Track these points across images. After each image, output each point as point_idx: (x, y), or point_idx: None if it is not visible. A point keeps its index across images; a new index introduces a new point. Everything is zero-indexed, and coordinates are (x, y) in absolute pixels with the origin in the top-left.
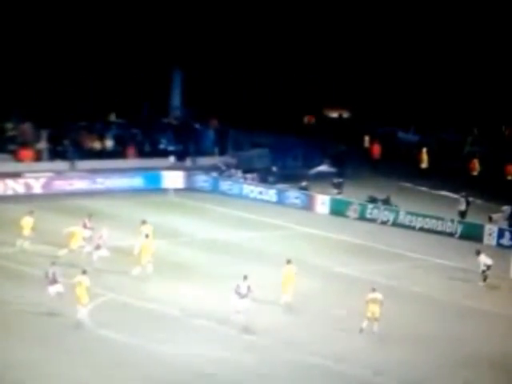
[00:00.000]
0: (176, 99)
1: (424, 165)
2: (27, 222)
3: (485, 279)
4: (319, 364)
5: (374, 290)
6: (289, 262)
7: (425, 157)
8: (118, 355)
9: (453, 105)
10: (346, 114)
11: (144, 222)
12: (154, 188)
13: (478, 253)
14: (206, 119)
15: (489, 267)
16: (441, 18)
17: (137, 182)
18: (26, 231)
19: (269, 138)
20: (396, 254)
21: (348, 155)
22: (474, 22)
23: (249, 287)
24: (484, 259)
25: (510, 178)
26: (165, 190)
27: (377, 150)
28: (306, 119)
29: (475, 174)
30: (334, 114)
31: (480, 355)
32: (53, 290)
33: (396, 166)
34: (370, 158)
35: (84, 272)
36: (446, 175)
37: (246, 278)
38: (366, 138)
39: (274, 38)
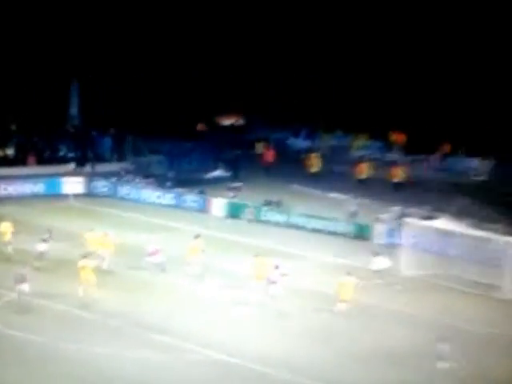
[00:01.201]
0: (74, 108)
1: (314, 169)
2: None
3: (380, 279)
4: (232, 363)
5: (348, 273)
6: (197, 236)
7: (315, 161)
8: (24, 353)
9: (341, 110)
10: (239, 122)
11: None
12: (54, 194)
13: (376, 254)
14: (104, 127)
15: (383, 270)
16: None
17: (38, 188)
18: None
19: (166, 144)
20: (290, 253)
21: (242, 160)
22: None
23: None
24: (380, 262)
25: (396, 180)
26: (65, 196)
27: (270, 155)
28: (198, 126)
29: (363, 177)
30: (228, 122)
31: (373, 350)
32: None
33: (288, 171)
34: (263, 163)
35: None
36: (336, 178)
37: (277, 267)
38: (259, 144)
39: (168, 47)
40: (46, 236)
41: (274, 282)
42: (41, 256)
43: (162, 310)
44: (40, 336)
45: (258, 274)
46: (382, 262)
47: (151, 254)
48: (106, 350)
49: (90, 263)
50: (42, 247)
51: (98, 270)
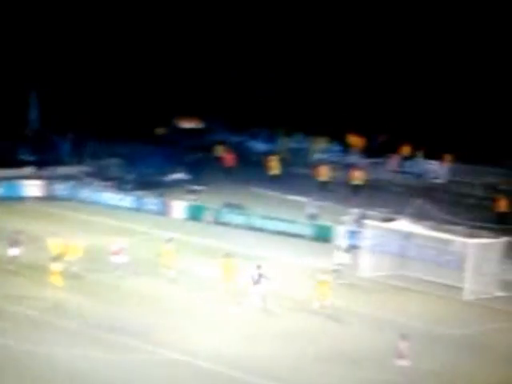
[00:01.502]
0: (34, 113)
1: (274, 171)
2: None
3: (339, 277)
4: (179, 360)
5: (324, 273)
6: (169, 240)
7: (275, 164)
8: None
9: (300, 113)
10: (199, 125)
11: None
12: (14, 197)
13: (338, 249)
14: (63, 131)
15: (341, 265)
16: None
17: None
18: None
19: (126, 147)
20: (251, 255)
21: (202, 163)
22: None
23: (261, 275)
24: (342, 256)
25: (355, 182)
26: (25, 199)
27: (230, 158)
28: (158, 129)
29: (323, 179)
30: (188, 125)
31: (332, 350)
32: None
33: (248, 173)
34: (224, 166)
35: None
36: (295, 181)
37: (259, 266)
38: (219, 147)
39: (126, 49)
40: (17, 239)
41: (257, 282)
42: (13, 260)
43: (124, 311)
44: (8, 339)
45: (227, 274)
46: (343, 257)
47: (115, 253)
48: (70, 352)
49: (58, 267)
50: (13, 251)
51: (65, 274)
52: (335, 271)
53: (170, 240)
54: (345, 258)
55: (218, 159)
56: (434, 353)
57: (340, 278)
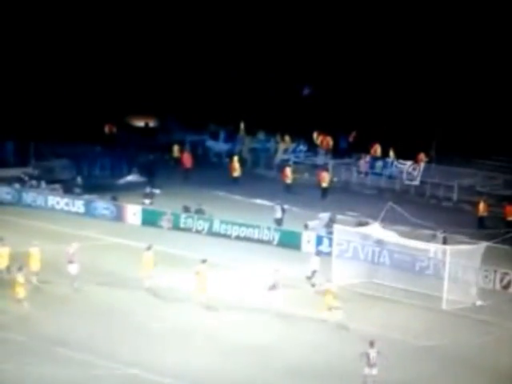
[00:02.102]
0: None
1: (236, 173)
2: None
3: (312, 285)
4: (136, 374)
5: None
6: (148, 248)
7: (236, 165)
8: None
9: (262, 111)
10: (152, 123)
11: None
12: None
13: (318, 253)
14: (6, 130)
15: (314, 272)
16: None
17: None
18: None
19: (73, 147)
20: (214, 263)
21: (157, 164)
22: None
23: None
24: (314, 263)
25: (324, 185)
26: None
27: (187, 159)
28: (106, 128)
29: (289, 181)
30: (140, 123)
31: (303, 363)
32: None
33: (207, 175)
34: (181, 168)
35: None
36: (259, 183)
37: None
38: (176, 147)
39: (72, 42)
40: None
41: (273, 288)
42: None
43: (80, 324)
44: None
45: (199, 284)
46: (315, 264)
47: (70, 262)
48: (13, 367)
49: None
50: None
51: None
52: (309, 278)
53: (149, 248)
54: (316, 265)
55: (175, 160)
56: (406, 364)
57: (312, 286)
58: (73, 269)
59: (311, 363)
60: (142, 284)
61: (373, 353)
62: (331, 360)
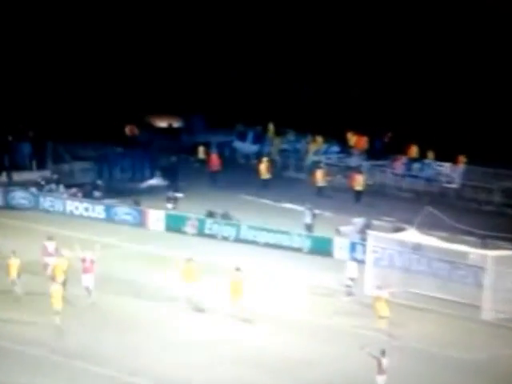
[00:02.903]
0: None
1: (266, 176)
2: None
3: (349, 294)
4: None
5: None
6: (189, 260)
7: (266, 167)
8: None
9: (292, 110)
10: (176, 124)
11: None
12: None
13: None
14: (21, 132)
15: (352, 280)
16: None
17: None
18: None
19: (93, 149)
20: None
21: (181, 167)
22: None
23: None
24: (351, 271)
25: (358, 188)
26: None
27: (215, 160)
28: (127, 129)
29: (320, 184)
30: (163, 124)
31: (334, 375)
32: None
33: (234, 178)
34: (208, 170)
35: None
36: (289, 186)
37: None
38: (201, 149)
39: (92, 40)
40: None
41: None
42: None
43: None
44: None
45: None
46: (353, 272)
47: (85, 272)
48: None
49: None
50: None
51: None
52: (347, 286)
53: (189, 259)
54: (353, 272)
55: (200, 162)
56: (439, 378)
57: (349, 295)
58: (87, 280)
59: (346, 375)
60: (179, 296)
61: (384, 361)
62: (361, 371)
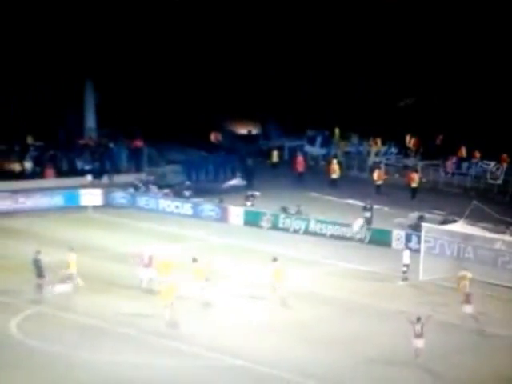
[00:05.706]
0: (90, 121)
1: (335, 175)
2: None
3: (405, 279)
4: (242, 366)
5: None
6: (274, 260)
7: (336, 167)
8: (49, 365)
9: (355, 116)
10: (255, 130)
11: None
12: (73, 206)
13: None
14: (122, 138)
15: (407, 266)
16: None
17: (56, 200)
18: None
19: (183, 154)
20: (310, 260)
21: (257, 169)
22: None
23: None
24: (405, 257)
25: (414, 185)
26: (83, 208)
27: (300, 163)
28: (212, 136)
29: (380, 182)
30: (243, 131)
31: (396, 353)
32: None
33: (304, 178)
34: (294, 172)
35: None
36: (353, 185)
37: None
38: (275, 153)
39: (182, 56)
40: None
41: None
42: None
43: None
44: (57, 345)
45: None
46: (407, 259)
47: (147, 266)
48: (115, 358)
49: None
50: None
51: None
52: (404, 272)
53: (275, 259)
54: (407, 259)
55: (273, 165)
56: (483, 350)
57: (405, 280)
58: (147, 273)
59: (403, 353)
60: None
61: (417, 327)
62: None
